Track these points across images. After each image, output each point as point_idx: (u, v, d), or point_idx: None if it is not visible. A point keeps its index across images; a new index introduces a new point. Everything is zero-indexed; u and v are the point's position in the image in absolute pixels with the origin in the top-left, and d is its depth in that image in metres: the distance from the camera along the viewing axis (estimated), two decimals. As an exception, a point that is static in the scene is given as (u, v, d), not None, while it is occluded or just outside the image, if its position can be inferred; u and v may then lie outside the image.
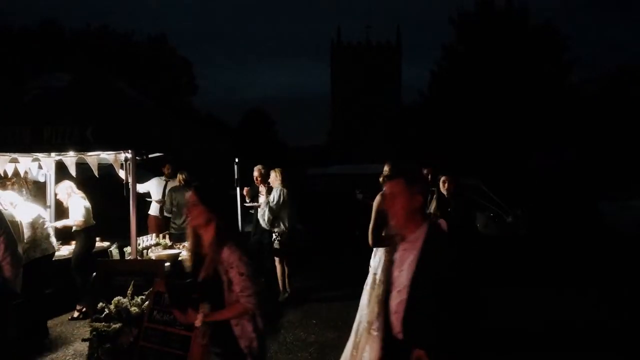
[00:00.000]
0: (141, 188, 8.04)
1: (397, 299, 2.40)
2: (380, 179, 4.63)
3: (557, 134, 23.40)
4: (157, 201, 8.32)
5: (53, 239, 5.70)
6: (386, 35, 61.37)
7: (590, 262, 9.60)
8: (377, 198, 4.43)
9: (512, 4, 26.94)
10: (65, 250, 6.51)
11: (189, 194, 2.83)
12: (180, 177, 7.78)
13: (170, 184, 8.24)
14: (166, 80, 30.85)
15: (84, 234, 6.30)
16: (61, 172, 6.88)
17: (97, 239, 6.90)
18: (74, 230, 6.33)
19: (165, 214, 7.87)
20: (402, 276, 2.39)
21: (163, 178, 8.42)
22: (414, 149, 27.90)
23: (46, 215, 5.83)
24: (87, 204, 6.40)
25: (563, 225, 12.62)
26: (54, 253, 5.76)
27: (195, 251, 2.89)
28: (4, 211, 4.47)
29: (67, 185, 6.37)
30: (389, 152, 30.11)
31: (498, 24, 26.35)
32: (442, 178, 5.99)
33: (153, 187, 8.37)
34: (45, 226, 5.55)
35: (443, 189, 5.80)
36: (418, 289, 2.32)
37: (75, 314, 6.16)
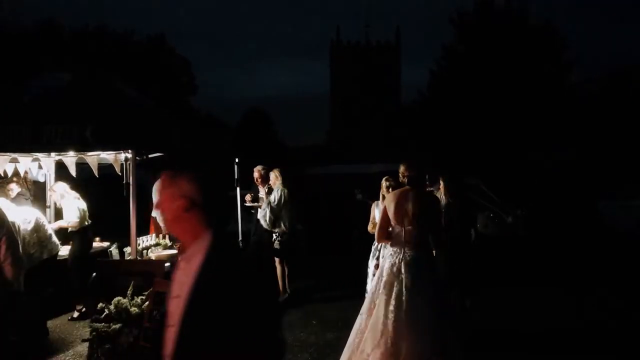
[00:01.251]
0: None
1: (170, 338, 1.74)
2: (400, 179, 4.45)
3: (556, 134, 23.42)
4: None
5: (55, 239, 5.70)
6: (386, 34, 61.44)
7: (590, 262, 9.60)
8: (388, 195, 4.35)
9: (512, 4, 26.97)
10: (64, 251, 6.51)
11: None
12: None
13: None
14: (166, 80, 30.83)
15: (80, 235, 6.25)
16: (61, 171, 6.88)
17: (97, 239, 6.89)
18: (70, 231, 6.29)
19: None
20: (176, 306, 1.74)
21: None
22: (413, 149, 27.93)
23: (43, 216, 5.81)
24: (82, 204, 6.33)
25: (563, 225, 12.63)
26: (57, 253, 5.77)
27: None
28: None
29: (60, 187, 6.31)
30: (388, 152, 30.13)
31: (498, 23, 26.38)
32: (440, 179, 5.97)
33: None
34: (45, 227, 5.55)
35: (442, 190, 5.76)
36: (190, 327, 1.67)
37: (75, 314, 6.15)
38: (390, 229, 4.24)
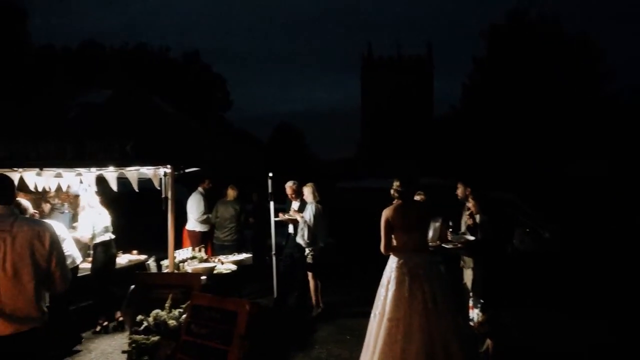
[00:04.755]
0: (195, 207, 8.20)
1: None
2: (392, 193, 4.76)
3: (594, 146, 22.85)
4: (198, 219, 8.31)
5: (77, 251, 5.72)
6: (417, 49, 61.34)
7: (627, 282, 9.19)
8: (386, 211, 4.63)
9: (545, 15, 26.61)
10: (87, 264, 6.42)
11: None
12: (231, 192, 8.18)
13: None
14: (201, 96, 31.47)
15: (101, 248, 6.21)
16: (101, 186, 7.04)
17: (135, 251, 7.01)
18: (93, 244, 6.24)
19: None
20: None
21: (202, 191, 8.35)
22: (447, 163, 27.64)
23: (65, 228, 5.84)
24: (101, 219, 6.26)
25: (601, 241, 12.21)
26: (79, 265, 5.81)
27: None
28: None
29: (87, 199, 6.30)
30: (421, 166, 29.89)
31: (530, 35, 26.03)
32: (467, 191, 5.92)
33: (194, 203, 8.28)
34: (66, 239, 5.54)
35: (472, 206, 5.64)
36: None
37: (98, 328, 6.11)
38: (393, 239, 4.62)
